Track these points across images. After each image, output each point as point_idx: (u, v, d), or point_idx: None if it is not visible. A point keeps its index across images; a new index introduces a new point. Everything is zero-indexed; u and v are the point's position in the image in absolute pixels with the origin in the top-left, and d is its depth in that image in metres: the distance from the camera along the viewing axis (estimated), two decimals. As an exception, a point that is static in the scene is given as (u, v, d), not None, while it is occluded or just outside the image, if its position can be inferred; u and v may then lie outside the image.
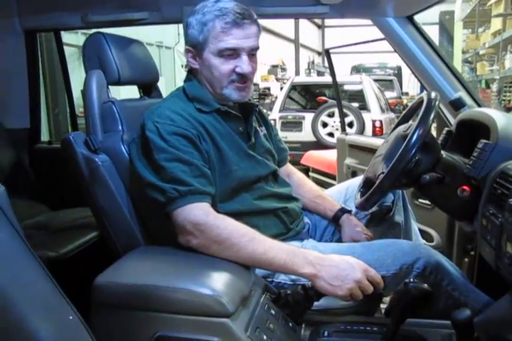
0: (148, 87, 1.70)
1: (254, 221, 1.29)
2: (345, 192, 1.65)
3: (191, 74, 1.38)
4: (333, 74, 2.84)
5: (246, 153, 1.37)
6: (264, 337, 0.98)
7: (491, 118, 1.30)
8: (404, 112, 1.56)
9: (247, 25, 1.27)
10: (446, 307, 1.20)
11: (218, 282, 0.98)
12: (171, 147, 1.20)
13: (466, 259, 1.75)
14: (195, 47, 1.32)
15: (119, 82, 1.44)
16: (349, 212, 1.54)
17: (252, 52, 1.31)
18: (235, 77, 1.30)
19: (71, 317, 0.74)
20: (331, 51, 2.79)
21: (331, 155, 3.28)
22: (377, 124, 5.73)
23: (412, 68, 1.88)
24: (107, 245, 1.36)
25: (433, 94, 1.30)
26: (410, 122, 1.43)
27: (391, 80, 9.59)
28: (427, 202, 2.03)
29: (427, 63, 1.82)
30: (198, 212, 1.15)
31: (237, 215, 1.22)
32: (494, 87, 8.99)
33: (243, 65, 1.28)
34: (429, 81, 1.81)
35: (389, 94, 8.26)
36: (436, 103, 1.29)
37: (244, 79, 1.31)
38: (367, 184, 1.42)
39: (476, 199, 1.27)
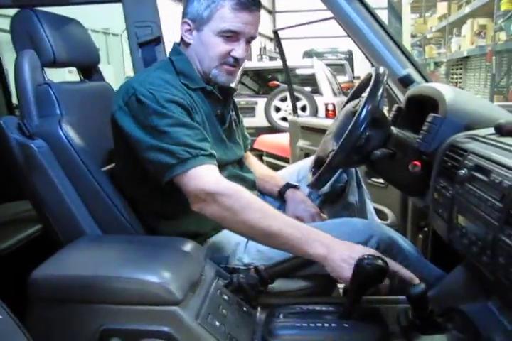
0: (89, 69, 1.61)
1: None
2: (297, 173, 1.62)
3: (178, 48, 1.34)
4: (282, 56, 2.80)
5: (220, 137, 1.35)
6: (217, 324, 0.94)
7: (439, 93, 1.29)
8: (353, 89, 1.53)
9: (255, 12, 1.25)
10: (401, 284, 1.20)
11: (165, 269, 0.93)
12: (171, 113, 1.16)
13: (420, 236, 1.77)
14: (194, 22, 1.27)
15: (54, 63, 1.35)
16: (294, 187, 1.51)
17: (249, 40, 1.29)
18: (228, 60, 1.28)
19: (1, 317, 0.67)
20: (281, 34, 2.74)
21: (284, 138, 3.26)
22: (330, 108, 5.75)
23: (360, 46, 1.85)
24: (50, 239, 1.28)
25: (381, 69, 1.28)
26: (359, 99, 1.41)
27: (343, 64, 9.66)
28: (381, 180, 2.03)
29: (375, 41, 1.80)
30: (209, 178, 1.12)
31: None
32: (442, 69, 9.23)
33: (240, 49, 1.26)
34: (378, 58, 1.79)
35: (341, 79, 8.31)
36: (385, 78, 1.27)
37: (235, 64, 1.29)
38: (318, 163, 1.39)
39: (427, 174, 1.26)
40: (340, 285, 1.46)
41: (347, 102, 1.47)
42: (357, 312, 1.01)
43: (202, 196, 1.11)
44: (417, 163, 1.29)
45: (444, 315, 1.04)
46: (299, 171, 1.62)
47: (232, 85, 1.41)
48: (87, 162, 1.25)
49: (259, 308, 1.13)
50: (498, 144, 1.00)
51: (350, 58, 12.06)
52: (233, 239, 1.28)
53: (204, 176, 1.12)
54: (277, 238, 1.07)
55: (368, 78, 1.37)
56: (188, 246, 1.09)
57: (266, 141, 4.08)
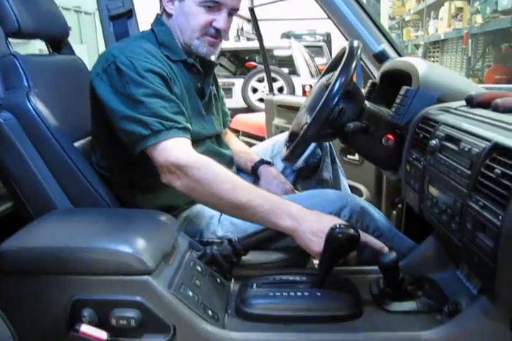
0: (58, 42, 1.56)
1: None
2: (271, 149, 1.61)
3: (161, 18, 1.32)
4: (259, 35, 2.77)
5: (199, 110, 1.33)
6: (190, 294, 0.94)
7: (412, 66, 1.29)
8: (328, 64, 1.53)
9: None
10: (372, 254, 1.22)
11: (137, 239, 0.92)
12: (149, 83, 1.14)
13: (394, 212, 1.79)
14: None
15: (19, 33, 1.30)
16: (268, 163, 1.51)
17: (231, 12, 1.28)
18: (209, 31, 1.26)
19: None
20: (258, 15, 2.71)
21: (260, 117, 3.24)
22: (307, 89, 5.73)
23: (335, 22, 1.85)
24: (21, 216, 1.26)
25: (355, 43, 1.27)
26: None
27: (321, 46, 9.60)
28: (356, 157, 2.05)
29: (350, 16, 1.79)
30: (180, 152, 1.11)
31: None
32: (420, 52, 9.27)
33: (221, 20, 1.25)
34: (353, 34, 1.78)
35: (319, 60, 8.28)
36: (359, 51, 1.26)
37: (217, 35, 1.27)
38: (292, 137, 1.39)
39: (400, 147, 1.27)
40: (316, 260, 1.48)
41: (321, 76, 1.47)
42: (329, 282, 1.02)
43: (171, 169, 1.10)
44: (390, 136, 1.29)
45: (414, 283, 1.06)
46: (273, 146, 1.62)
47: (213, 59, 1.40)
48: (58, 135, 1.22)
49: (232, 280, 1.13)
50: (469, 115, 1.01)
51: (328, 40, 12.01)
52: (207, 213, 1.28)
53: (175, 149, 1.11)
54: (246, 210, 1.07)
55: (342, 52, 1.36)
56: (161, 217, 1.08)
57: (242, 121, 4.06)
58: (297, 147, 1.25)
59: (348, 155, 2.07)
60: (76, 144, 1.33)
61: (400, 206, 1.79)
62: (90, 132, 1.36)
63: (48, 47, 1.56)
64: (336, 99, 1.20)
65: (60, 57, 1.52)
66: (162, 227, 1.03)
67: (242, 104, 5.95)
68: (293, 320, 0.95)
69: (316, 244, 1.02)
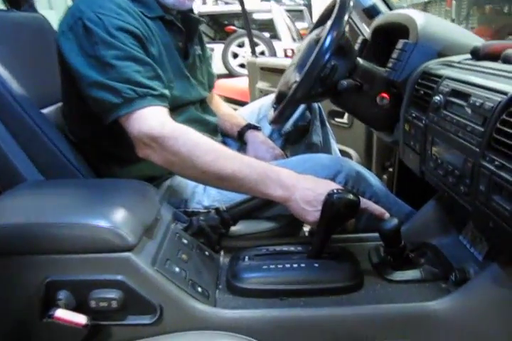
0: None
1: None
2: (257, 112, 1.51)
3: None
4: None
5: (182, 72, 1.21)
6: (176, 269, 0.86)
7: (409, 18, 1.19)
8: (317, 19, 1.41)
9: None
10: (369, 221, 1.15)
11: (115, 212, 0.83)
12: (121, 43, 1.01)
13: (385, 176, 1.73)
14: None
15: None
16: (255, 127, 1.41)
17: None
18: None
19: None
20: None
21: (243, 82, 3.12)
22: (289, 53, 5.58)
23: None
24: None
25: (346, -5, 1.16)
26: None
27: (301, 10, 9.34)
28: (345, 120, 1.96)
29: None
30: (155, 121, 1.00)
31: None
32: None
33: None
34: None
35: (300, 25, 8.06)
36: (351, 3, 1.15)
37: None
38: (280, 98, 1.29)
39: (396, 106, 1.19)
40: (306, 228, 1.41)
41: (310, 31, 1.36)
42: (327, 251, 0.94)
43: (146, 141, 0.99)
44: (385, 95, 1.21)
45: (415, 250, 0.99)
46: (259, 109, 1.52)
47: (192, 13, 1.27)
48: (22, 101, 1.10)
49: (222, 252, 1.05)
50: (476, 68, 0.92)
51: (308, 4, 11.68)
52: (191, 181, 1.19)
53: (149, 119, 1.00)
54: (232, 181, 0.98)
55: (333, 5, 1.25)
56: (141, 187, 0.99)
57: (223, 86, 3.90)
58: (286, 108, 1.15)
59: (336, 118, 1.98)
60: (44, 111, 1.21)
61: (390, 170, 1.72)
62: (61, 98, 1.24)
63: (4, 3, 1.40)
64: (328, 55, 1.10)
65: (19, 14, 1.37)
66: (143, 198, 0.94)
67: (223, 70, 5.78)
68: (290, 294, 0.88)
69: (310, 213, 0.93)
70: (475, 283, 0.83)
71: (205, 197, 1.17)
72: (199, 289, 0.86)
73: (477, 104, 0.78)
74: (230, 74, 5.69)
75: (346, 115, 1.95)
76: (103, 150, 1.19)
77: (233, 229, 1.08)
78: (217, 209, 1.02)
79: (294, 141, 1.51)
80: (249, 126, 1.41)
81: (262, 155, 1.34)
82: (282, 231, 1.15)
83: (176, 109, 1.16)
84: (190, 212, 1.16)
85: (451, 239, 1.03)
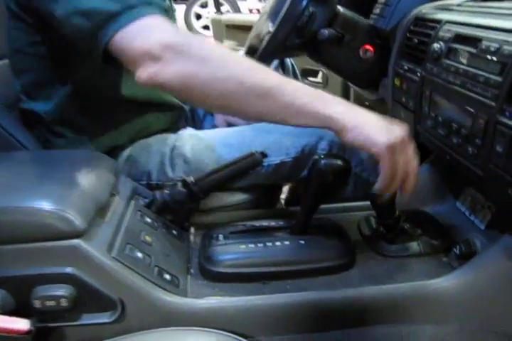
0: None
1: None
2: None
3: None
4: None
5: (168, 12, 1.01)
6: (139, 255, 0.73)
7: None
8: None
9: None
10: (355, 192, 1.04)
11: (58, 190, 0.68)
12: None
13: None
14: None
15: None
16: None
17: None
18: None
19: None
20: None
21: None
22: (255, 13, 5.34)
23: None
24: None
25: None
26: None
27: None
28: (319, 79, 1.82)
29: None
30: (165, 29, 0.78)
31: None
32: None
33: None
34: None
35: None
36: None
37: None
38: (250, 52, 1.14)
39: (381, 59, 1.06)
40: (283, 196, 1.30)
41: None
42: (312, 225, 0.83)
43: (157, 53, 0.74)
44: (369, 47, 1.08)
45: (410, 219, 0.88)
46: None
47: None
48: None
49: (192, 229, 0.92)
50: (482, 9, 0.79)
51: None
52: (155, 149, 1.04)
53: (158, 26, 0.78)
54: (280, 96, 0.73)
55: None
56: (93, 159, 0.84)
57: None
58: (259, 61, 1.00)
59: (309, 77, 1.84)
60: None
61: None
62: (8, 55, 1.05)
63: None
64: (306, 0, 0.96)
65: None
66: (94, 172, 0.79)
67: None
68: (273, 277, 0.76)
69: (384, 135, 0.70)
70: (484, 257, 0.73)
71: (171, 168, 1.02)
72: (167, 277, 0.74)
73: (492, 49, 0.65)
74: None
75: (320, 74, 1.82)
76: (55, 118, 1.02)
77: (204, 202, 0.94)
78: (184, 181, 0.88)
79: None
80: None
81: (232, 118, 1.20)
82: (259, 202, 1.02)
83: None
84: (155, 185, 1.02)
85: (448, 206, 0.93)
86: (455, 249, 0.77)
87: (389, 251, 0.82)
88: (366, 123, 0.72)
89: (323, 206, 0.86)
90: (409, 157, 0.73)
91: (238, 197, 1.02)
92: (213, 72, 0.74)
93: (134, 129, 1.04)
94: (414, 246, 0.83)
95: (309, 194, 0.78)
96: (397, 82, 0.95)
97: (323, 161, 0.74)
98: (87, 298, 0.67)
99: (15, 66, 1.03)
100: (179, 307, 0.70)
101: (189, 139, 1.05)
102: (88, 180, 0.75)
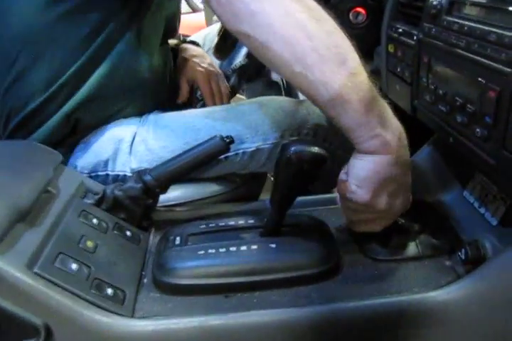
0: None
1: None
2: (202, 42, 1.21)
3: None
4: None
5: None
6: (73, 267, 0.60)
7: None
8: None
9: None
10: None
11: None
12: None
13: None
14: None
15: None
16: (193, 43, 1.12)
17: None
18: None
19: None
20: None
21: (199, 16, 2.76)
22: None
23: None
24: None
25: None
26: None
27: None
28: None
29: None
30: None
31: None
32: None
33: None
34: None
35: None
36: None
37: None
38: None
39: (375, 24, 0.91)
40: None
41: None
42: (288, 224, 0.69)
43: None
44: (360, 9, 0.94)
45: (406, 212, 0.74)
46: (204, 39, 1.22)
47: None
48: None
49: (153, 229, 0.79)
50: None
51: None
52: (114, 135, 0.91)
53: None
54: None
55: None
56: (26, 151, 0.70)
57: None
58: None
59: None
60: None
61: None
62: None
63: None
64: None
65: None
66: (23, 166, 0.66)
67: (186, 8, 5.27)
68: (238, 289, 0.63)
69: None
70: (496, 263, 0.59)
71: (132, 157, 0.89)
72: (109, 291, 0.61)
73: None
74: (194, 12, 5.20)
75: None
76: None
77: (166, 196, 0.81)
78: (138, 173, 0.75)
79: (250, 77, 1.22)
80: (184, 41, 1.12)
81: (190, 75, 1.05)
82: (236, 194, 0.89)
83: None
84: (114, 177, 0.89)
85: (453, 196, 0.79)
86: (460, 253, 0.63)
87: (381, 253, 0.68)
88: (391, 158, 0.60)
89: (301, 198, 0.72)
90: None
91: (211, 189, 0.89)
92: None
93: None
94: (412, 247, 0.69)
95: (278, 187, 0.63)
96: (390, 48, 0.79)
97: (294, 148, 0.60)
98: (3, 324, 0.54)
99: None
100: (119, 330, 0.57)
101: (153, 123, 0.91)
102: (8, 177, 0.62)
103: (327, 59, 0.59)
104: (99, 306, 0.58)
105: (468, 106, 0.56)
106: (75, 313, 0.56)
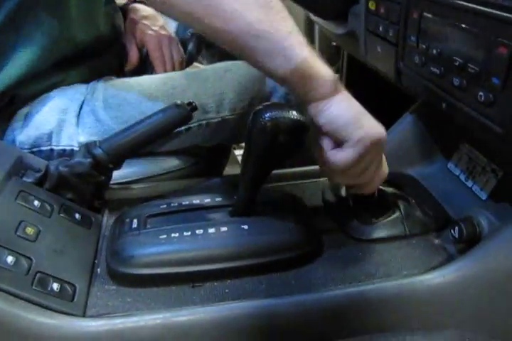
0: None
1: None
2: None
3: None
4: None
5: None
6: (9, 259, 0.50)
7: None
8: None
9: None
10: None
11: None
12: None
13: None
14: None
15: None
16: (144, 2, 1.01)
17: None
18: None
19: None
20: None
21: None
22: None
23: None
24: None
25: None
26: None
27: None
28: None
29: None
30: None
31: None
32: None
33: None
34: None
35: None
36: None
37: None
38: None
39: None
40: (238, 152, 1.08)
41: None
42: (260, 202, 0.61)
43: None
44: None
45: (389, 187, 0.68)
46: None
47: None
48: None
49: (106, 210, 0.70)
50: None
51: None
52: (58, 104, 0.79)
53: None
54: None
55: None
56: None
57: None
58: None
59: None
60: None
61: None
62: None
63: None
64: None
65: None
66: None
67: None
68: (206, 278, 0.55)
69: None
70: (493, 243, 0.53)
71: (80, 129, 0.78)
72: (54, 286, 0.51)
73: None
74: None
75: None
76: None
77: (121, 172, 0.71)
78: (87, 146, 0.64)
79: (209, 43, 1.11)
80: (134, 0, 1.00)
81: (140, 39, 0.95)
82: (195, 170, 0.80)
83: None
84: (60, 152, 0.78)
85: (437, 168, 0.73)
86: (453, 231, 0.57)
87: (364, 232, 0.62)
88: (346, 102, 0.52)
89: (274, 171, 0.64)
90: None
91: (171, 163, 0.79)
92: None
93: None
94: (397, 224, 0.62)
95: (250, 161, 0.55)
96: (371, 5, 0.71)
97: (268, 114, 0.51)
98: None
99: None
100: (69, 332, 0.49)
101: (103, 90, 0.81)
102: None
103: None
104: (42, 305, 0.49)
105: (470, 66, 0.48)
106: (12, 317, 0.47)
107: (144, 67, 1.00)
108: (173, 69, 0.96)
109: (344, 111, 0.52)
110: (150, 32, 0.95)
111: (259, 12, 0.50)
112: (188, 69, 0.95)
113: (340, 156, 0.52)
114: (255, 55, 0.51)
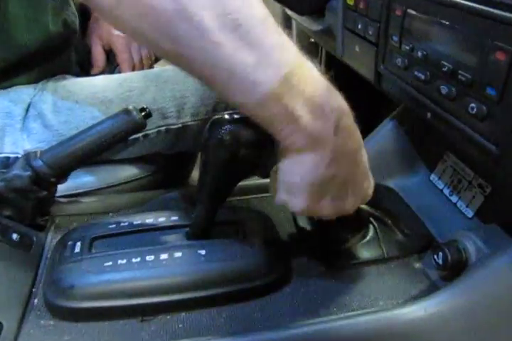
0: None
1: None
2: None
3: None
4: None
5: None
6: None
7: None
8: None
9: None
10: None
11: None
12: None
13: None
14: None
15: None
16: None
17: None
18: None
19: None
20: None
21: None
22: None
23: None
24: None
25: None
26: None
27: None
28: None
29: None
30: None
31: None
32: None
33: None
34: None
35: None
36: None
37: None
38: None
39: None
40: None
41: None
42: (221, 221, 0.54)
43: None
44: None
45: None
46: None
47: None
48: None
49: (52, 227, 0.62)
50: None
51: None
52: (3, 107, 0.71)
53: None
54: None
55: None
56: None
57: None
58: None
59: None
60: None
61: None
62: None
63: None
64: None
65: None
66: None
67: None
68: (157, 310, 0.48)
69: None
70: (481, 272, 0.47)
71: (26, 135, 0.70)
72: (-24, 324, 0.44)
73: None
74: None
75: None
76: None
77: (70, 182, 0.63)
78: (25, 158, 0.56)
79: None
80: None
81: (106, 40, 0.87)
82: (155, 180, 0.73)
83: None
84: (3, 161, 0.70)
85: (419, 180, 0.67)
86: (436, 257, 0.51)
87: (337, 257, 0.55)
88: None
89: (240, 184, 0.57)
90: None
91: (126, 173, 0.72)
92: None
93: None
94: (374, 247, 0.56)
95: (207, 177, 0.48)
96: (350, 0, 0.64)
97: (226, 125, 0.44)
98: None
99: None
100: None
101: (52, 92, 0.72)
102: None
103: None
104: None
105: (461, 72, 0.42)
106: None
107: (111, 70, 0.92)
108: None
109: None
110: (117, 32, 0.87)
111: None
112: (147, 70, 0.87)
113: (293, 203, 0.46)
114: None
